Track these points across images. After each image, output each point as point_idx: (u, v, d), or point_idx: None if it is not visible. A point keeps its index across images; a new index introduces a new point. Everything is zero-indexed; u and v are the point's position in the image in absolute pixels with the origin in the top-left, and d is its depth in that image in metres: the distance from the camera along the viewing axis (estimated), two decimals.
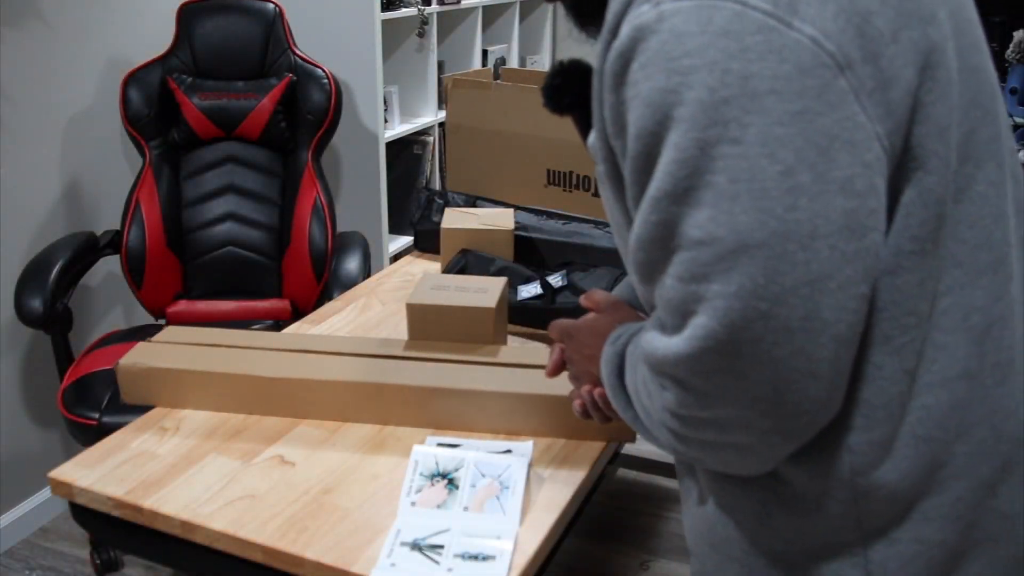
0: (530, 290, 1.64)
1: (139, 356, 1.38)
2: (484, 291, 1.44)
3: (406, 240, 3.18)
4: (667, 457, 2.67)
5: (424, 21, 3.05)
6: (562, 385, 1.29)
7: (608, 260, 1.78)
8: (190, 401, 1.36)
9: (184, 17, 2.38)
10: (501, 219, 1.81)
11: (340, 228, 2.42)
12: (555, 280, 1.64)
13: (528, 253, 1.86)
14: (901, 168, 0.69)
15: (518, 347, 1.41)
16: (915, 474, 0.74)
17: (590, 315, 1.00)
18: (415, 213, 2.01)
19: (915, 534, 0.75)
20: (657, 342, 0.70)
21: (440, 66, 3.33)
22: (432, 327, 1.41)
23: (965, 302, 0.73)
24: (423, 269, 1.95)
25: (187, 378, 1.35)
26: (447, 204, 1.98)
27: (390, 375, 1.32)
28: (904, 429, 0.73)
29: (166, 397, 1.37)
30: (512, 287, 1.64)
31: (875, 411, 0.72)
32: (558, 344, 1.05)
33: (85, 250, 2.19)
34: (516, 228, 1.83)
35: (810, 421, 0.68)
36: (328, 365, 1.35)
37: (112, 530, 1.21)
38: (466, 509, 1.11)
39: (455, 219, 1.82)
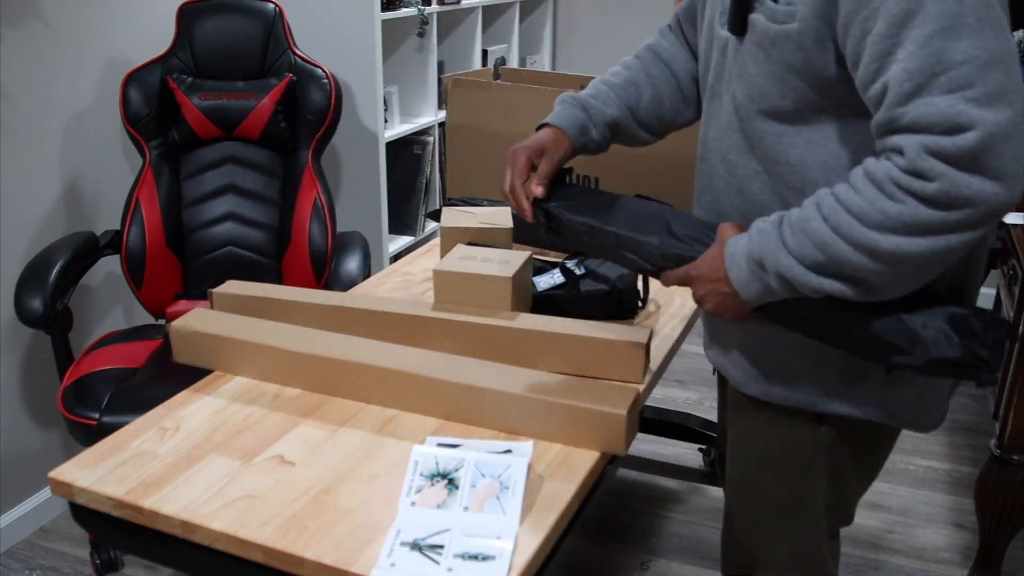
0: (548, 280, 1.65)
1: (192, 320, 1.51)
2: (507, 263, 1.53)
3: (406, 240, 3.18)
4: (667, 457, 2.68)
5: (424, 21, 3.05)
6: (563, 390, 1.30)
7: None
8: (232, 367, 1.48)
9: (184, 17, 2.38)
10: (499, 217, 1.81)
11: (340, 228, 2.43)
12: (575, 267, 1.66)
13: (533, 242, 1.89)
14: None
15: (534, 316, 1.48)
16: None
17: (700, 259, 1.17)
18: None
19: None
20: (940, 141, 0.94)
21: (440, 66, 3.33)
22: (456, 293, 1.52)
23: None
24: (423, 269, 1.95)
25: (230, 345, 1.46)
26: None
27: (409, 364, 1.36)
28: None
29: (212, 360, 1.49)
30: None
31: None
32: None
33: (85, 250, 2.19)
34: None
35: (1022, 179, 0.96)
36: (359, 347, 1.42)
37: (112, 530, 1.21)
38: (466, 509, 1.11)
39: (455, 218, 1.82)
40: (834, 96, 1.07)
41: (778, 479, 1.29)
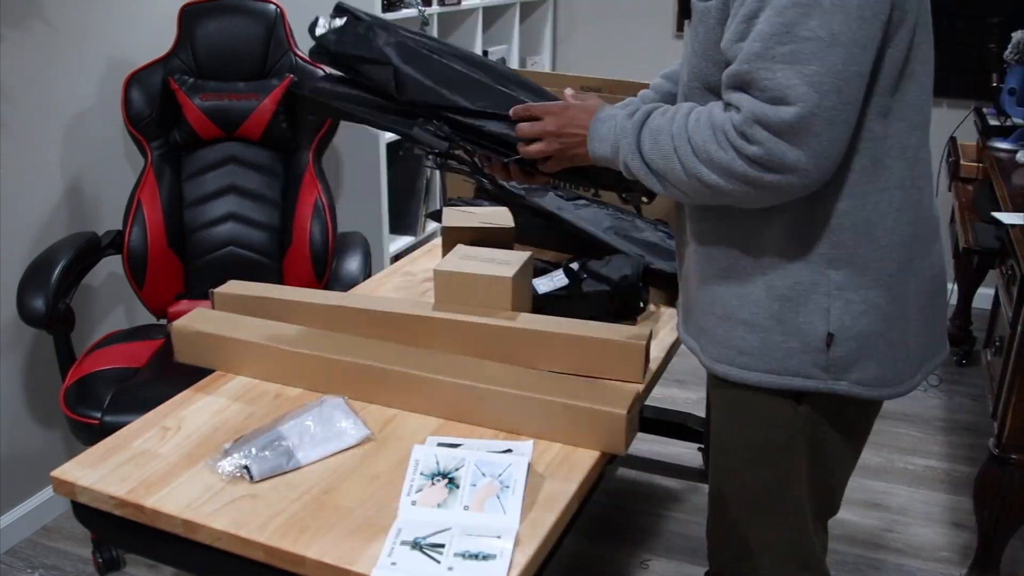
0: (548, 282, 1.65)
1: (194, 320, 1.53)
2: (507, 263, 1.53)
3: (407, 240, 3.18)
4: (667, 457, 2.68)
5: (424, 22, 3.05)
6: (563, 390, 1.30)
7: (615, 249, 1.83)
8: (233, 367, 1.49)
9: (186, 18, 2.39)
10: (500, 217, 1.82)
11: (341, 228, 2.43)
12: (577, 268, 1.66)
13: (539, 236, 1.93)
14: (887, 36, 1.06)
15: (534, 316, 1.48)
16: (862, 244, 1.15)
17: (566, 103, 1.30)
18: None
19: (863, 295, 1.17)
20: (765, 110, 1.02)
21: None
22: (456, 294, 1.53)
23: (903, 143, 1.14)
24: (423, 269, 1.96)
25: (231, 345, 1.47)
26: None
27: (409, 364, 1.37)
28: (863, 214, 1.14)
29: (213, 360, 1.50)
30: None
31: (849, 187, 1.14)
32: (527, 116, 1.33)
33: (87, 250, 2.20)
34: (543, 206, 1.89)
35: (834, 160, 1.05)
36: (359, 347, 1.43)
37: (114, 529, 1.22)
38: (466, 508, 1.11)
39: (456, 218, 1.83)
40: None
41: (760, 462, 1.30)
